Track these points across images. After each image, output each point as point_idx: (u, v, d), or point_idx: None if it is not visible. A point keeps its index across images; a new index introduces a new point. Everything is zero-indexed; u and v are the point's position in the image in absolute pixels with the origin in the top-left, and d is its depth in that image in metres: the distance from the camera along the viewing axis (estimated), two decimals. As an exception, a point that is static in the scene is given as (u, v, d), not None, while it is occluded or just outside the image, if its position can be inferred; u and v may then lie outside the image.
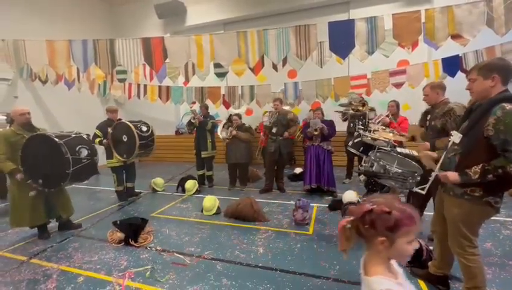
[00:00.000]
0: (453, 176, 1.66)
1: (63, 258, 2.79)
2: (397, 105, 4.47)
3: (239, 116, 5.15)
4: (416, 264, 2.31)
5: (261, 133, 5.76)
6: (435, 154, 1.94)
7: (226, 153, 5.10)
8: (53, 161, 2.98)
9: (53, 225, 3.48)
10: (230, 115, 5.81)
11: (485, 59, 4.06)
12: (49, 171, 3.00)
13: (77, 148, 3.09)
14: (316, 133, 4.41)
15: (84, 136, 3.33)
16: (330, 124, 4.49)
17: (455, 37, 3.30)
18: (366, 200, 0.90)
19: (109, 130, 4.36)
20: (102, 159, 3.68)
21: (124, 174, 4.71)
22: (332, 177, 4.48)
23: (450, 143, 1.77)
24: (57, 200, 3.33)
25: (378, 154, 2.31)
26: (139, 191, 5.00)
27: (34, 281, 2.40)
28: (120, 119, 4.51)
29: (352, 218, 0.91)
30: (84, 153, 3.14)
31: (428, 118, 2.63)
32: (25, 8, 6.52)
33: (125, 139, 4.22)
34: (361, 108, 4.61)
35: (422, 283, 2.19)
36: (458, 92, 2.73)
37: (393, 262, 0.91)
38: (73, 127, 3.59)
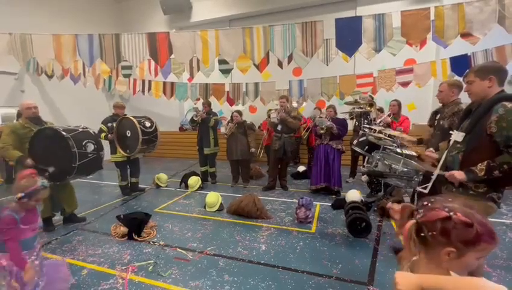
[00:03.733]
0: (459, 175, 1.68)
1: (67, 250, 2.83)
2: (399, 104, 4.41)
3: (239, 113, 5.13)
4: None
5: (264, 131, 5.73)
6: (436, 155, 1.97)
7: (227, 150, 5.10)
8: (60, 154, 3.00)
9: (58, 217, 3.52)
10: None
11: (495, 59, 3.98)
12: (56, 164, 3.02)
13: (84, 143, 3.12)
14: (322, 132, 4.38)
15: (91, 131, 3.35)
16: (342, 123, 4.39)
17: (465, 35, 3.23)
18: (438, 201, 0.78)
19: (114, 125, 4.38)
20: (106, 154, 3.70)
21: (128, 169, 4.74)
22: (340, 177, 4.44)
23: (452, 142, 1.81)
24: (62, 194, 3.36)
25: (382, 154, 2.28)
26: (143, 186, 5.04)
27: (38, 273, 2.43)
28: (125, 115, 4.53)
29: (415, 221, 0.80)
30: (91, 147, 3.17)
31: (437, 118, 2.60)
32: (32, 2, 6.56)
33: (128, 135, 4.24)
34: (368, 108, 4.53)
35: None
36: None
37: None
38: (79, 122, 3.61)
